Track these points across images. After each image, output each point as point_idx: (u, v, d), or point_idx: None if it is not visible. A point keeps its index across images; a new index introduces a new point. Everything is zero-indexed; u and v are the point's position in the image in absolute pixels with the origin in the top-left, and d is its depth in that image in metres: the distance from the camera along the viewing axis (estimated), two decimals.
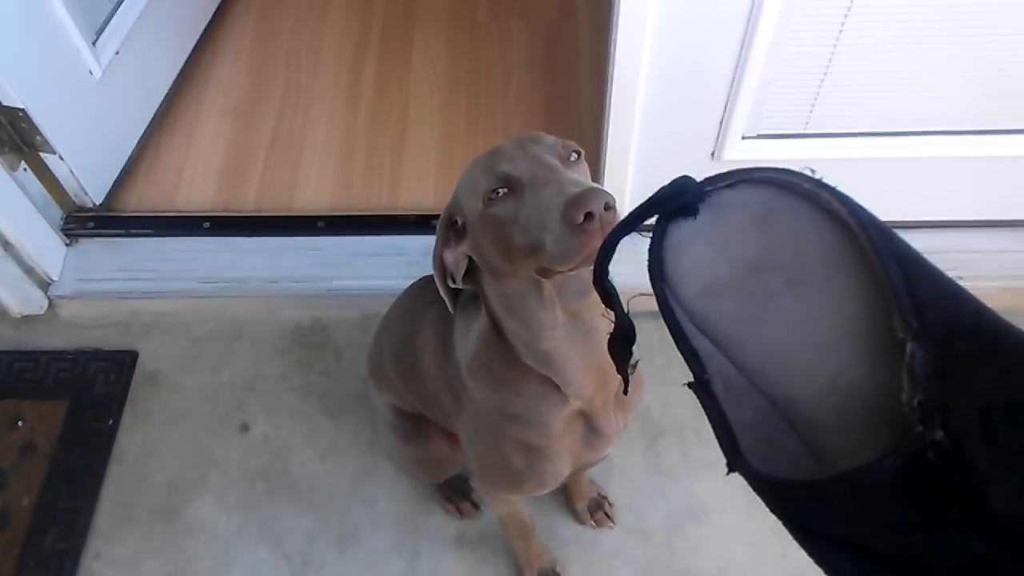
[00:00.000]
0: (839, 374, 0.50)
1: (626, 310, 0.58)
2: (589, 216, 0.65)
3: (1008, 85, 1.33)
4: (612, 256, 0.57)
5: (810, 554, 0.49)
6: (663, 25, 1.24)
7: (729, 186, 0.54)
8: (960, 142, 1.41)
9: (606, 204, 0.65)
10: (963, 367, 0.44)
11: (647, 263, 0.55)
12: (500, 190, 0.74)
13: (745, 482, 0.51)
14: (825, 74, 1.31)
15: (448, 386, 1.02)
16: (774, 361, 0.52)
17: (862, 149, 1.41)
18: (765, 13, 1.20)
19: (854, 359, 0.49)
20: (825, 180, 0.51)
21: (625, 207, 1.54)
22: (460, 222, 0.82)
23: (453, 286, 0.86)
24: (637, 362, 0.61)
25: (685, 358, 0.53)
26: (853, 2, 1.20)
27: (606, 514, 1.40)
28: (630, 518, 1.42)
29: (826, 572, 0.49)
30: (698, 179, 0.54)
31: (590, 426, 0.96)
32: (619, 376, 0.91)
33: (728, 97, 1.34)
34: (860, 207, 0.50)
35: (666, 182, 0.54)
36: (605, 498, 1.42)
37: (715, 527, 1.41)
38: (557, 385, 0.88)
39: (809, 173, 0.52)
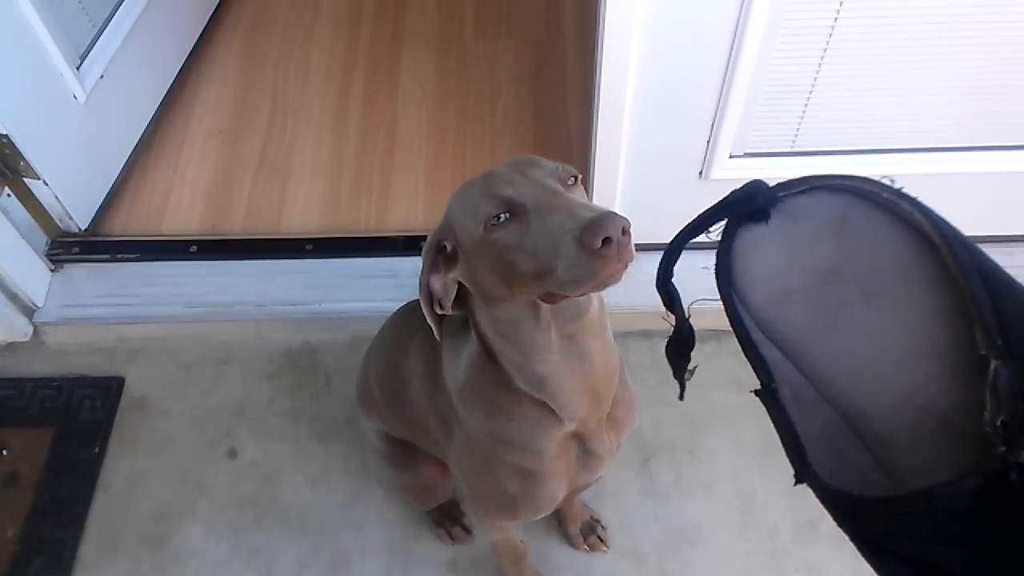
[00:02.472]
0: (915, 390, 0.49)
1: (687, 315, 0.56)
2: (607, 241, 0.64)
3: (996, 101, 1.33)
4: (677, 259, 0.56)
5: (877, 571, 0.49)
6: (649, 44, 1.24)
7: (803, 192, 0.53)
8: (948, 159, 1.41)
9: (623, 228, 0.64)
10: None
11: (714, 267, 0.55)
12: (503, 215, 0.72)
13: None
14: (811, 92, 1.31)
15: (436, 413, 1.01)
16: (845, 373, 0.51)
17: (850, 167, 1.41)
18: (750, 31, 1.20)
19: (931, 375, 0.49)
20: (906, 190, 0.51)
21: None
22: (450, 248, 0.81)
23: (441, 312, 0.85)
24: (695, 368, 0.60)
25: (752, 365, 0.53)
26: (837, 21, 1.20)
27: (599, 537, 1.39)
28: (623, 541, 1.41)
29: None
30: (771, 184, 0.54)
31: (584, 447, 0.95)
32: (612, 395, 0.91)
33: (715, 116, 1.34)
34: (943, 220, 0.49)
35: (739, 186, 0.54)
36: (598, 521, 1.41)
37: (708, 549, 1.40)
38: (551, 408, 0.87)
39: (888, 183, 0.51)
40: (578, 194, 0.77)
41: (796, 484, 0.51)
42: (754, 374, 0.53)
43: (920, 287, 0.50)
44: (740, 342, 0.53)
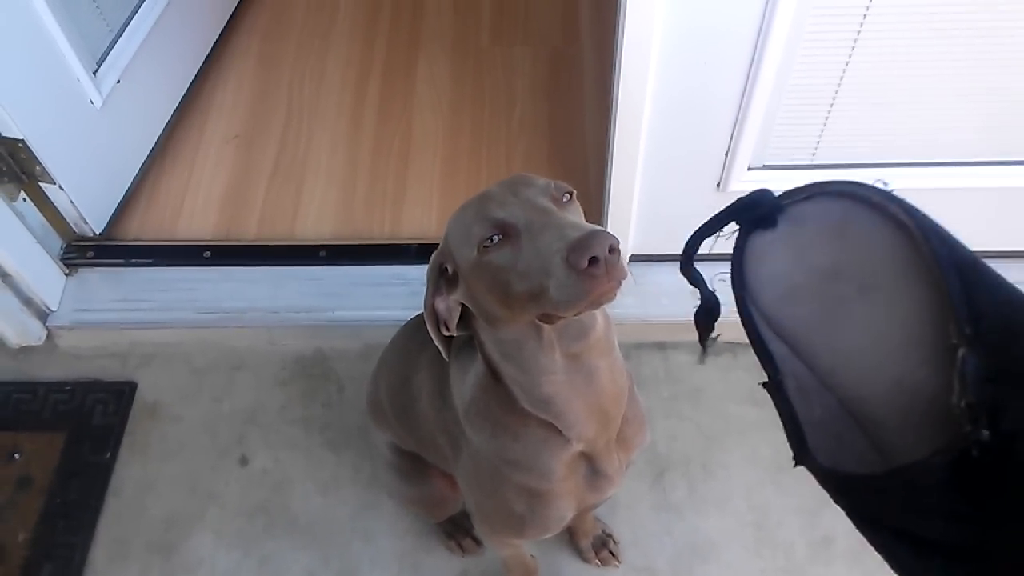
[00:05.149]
0: (904, 376, 0.53)
1: (711, 288, 0.61)
2: (594, 260, 0.63)
3: (1017, 116, 1.31)
4: (696, 251, 0.60)
5: (871, 542, 0.54)
6: (668, 52, 1.22)
7: (808, 198, 0.58)
8: (969, 173, 1.38)
9: (610, 247, 0.63)
10: (1017, 371, 0.47)
11: (729, 272, 0.59)
12: (495, 237, 0.72)
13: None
14: (832, 105, 1.29)
15: (445, 430, 1.00)
16: (843, 363, 0.56)
17: (870, 180, 1.39)
18: (771, 42, 1.18)
19: (918, 362, 0.53)
20: (894, 192, 0.55)
21: (630, 237, 1.52)
22: (451, 270, 0.81)
23: (447, 333, 0.84)
24: (718, 336, 0.63)
25: (760, 359, 0.58)
26: (860, 33, 1.18)
27: (611, 552, 1.37)
28: (636, 556, 1.39)
29: (886, 559, 0.54)
30: (776, 193, 0.59)
31: (592, 468, 0.94)
32: (621, 415, 0.90)
33: (734, 127, 1.33)
34: (925, 217, 0.54)
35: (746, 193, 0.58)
36: (610, 536, 1.39)
37: (722, 565, 1.38)
38: (558, 429, 0.86)
39: (882, 185, 0.56)
40: (573, 211, 0.76)
41: (796, 466, 0.56)
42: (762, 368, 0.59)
43: (907, 281, 0.54)
44: (750, 338, 0.58)
